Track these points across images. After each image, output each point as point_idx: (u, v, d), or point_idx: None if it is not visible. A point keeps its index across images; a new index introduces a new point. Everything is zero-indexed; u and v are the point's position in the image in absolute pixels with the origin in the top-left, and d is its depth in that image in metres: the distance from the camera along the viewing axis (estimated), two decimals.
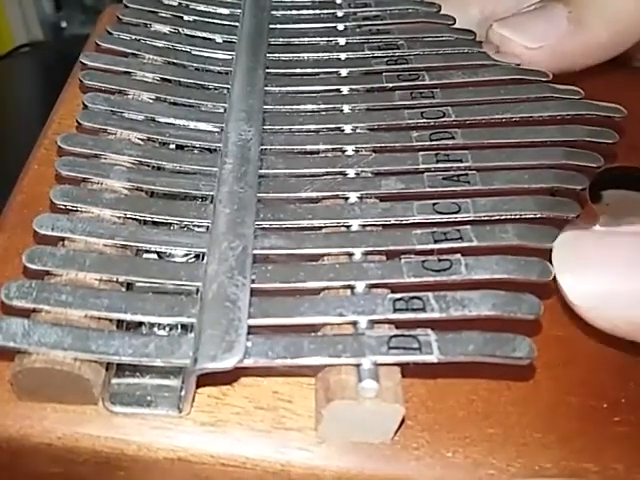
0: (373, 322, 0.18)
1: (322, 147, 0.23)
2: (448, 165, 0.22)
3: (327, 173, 0.22)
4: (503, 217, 0.20)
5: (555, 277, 0.19)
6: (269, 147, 0.23)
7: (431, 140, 0.23)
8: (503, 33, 0.25)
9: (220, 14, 0.28)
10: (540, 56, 0.25)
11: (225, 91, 0.25)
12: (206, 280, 0.19)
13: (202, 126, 0.23)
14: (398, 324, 0.18)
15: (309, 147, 0.23)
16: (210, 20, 0.27)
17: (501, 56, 0.26)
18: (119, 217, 0.20)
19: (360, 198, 0.21)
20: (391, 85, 0.25)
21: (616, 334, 0.19)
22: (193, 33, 0.27)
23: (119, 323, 0.19)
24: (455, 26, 0.28)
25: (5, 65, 0.94)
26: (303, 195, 0.21)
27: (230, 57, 0.26)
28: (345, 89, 0.25)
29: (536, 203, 0.20)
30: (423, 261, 0.19)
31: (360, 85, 0.25)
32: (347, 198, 0.21)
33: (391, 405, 0.17)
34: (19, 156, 0.27)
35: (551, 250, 0.19)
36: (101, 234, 0.19)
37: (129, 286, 0.20)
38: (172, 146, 0.23)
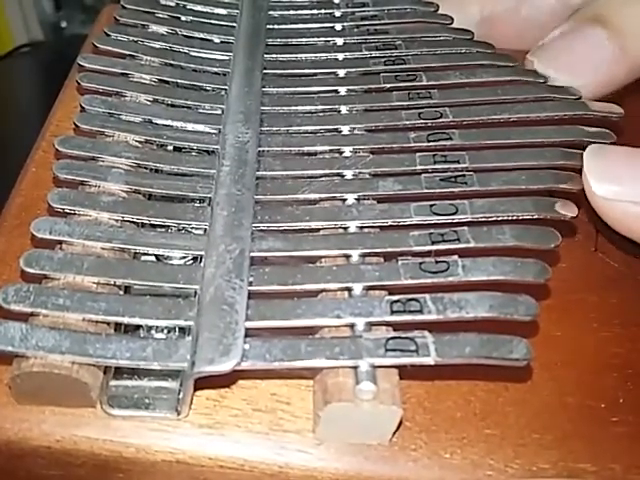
0: (370, 324, 0.18)
1: (320, 148, 0.23)
2: (445, 166, 0.22)
3: (324, 175, 0.22)
4: (500, 218, 0.20)
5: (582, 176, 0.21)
6: (267, 149, 0.23)
7: (428, 141, 0.23)
8: (547, 73, 0.24)
9: (217, 14, 0.28)
10: (586, 89, 0.24)
11: (222, 92, 0.25)
12: (203, 283, 0.19)
13: (200, 128, 0.23)
14: (395, 326, 0.18)
15: (307, 148, 0.23)
16: (207, 21, 0.27)
17: (499, 57, 0.26)
18: (117, 220, 0.20)
19: (358, 200, 0.21)
20: (389, 86, 0.25)
21: (626, 233, 0.21)
22: (190, 34, 0.27)
23: (117, 326, 0.19)
24: (453, 26, 0.28)
25: (5, 65, 0.94)
26: (301, 197, 0.21)
27: (227, 58, 0.26)
28: (343, 90, 0.25)
29: (534, 204, 0.20)
30: (420, 263, 0.19)
31: (358, 86, 0.25)
32: (345, 200, 0.21)
33: (389, 407, 0.17)
34: (19, 157, 0.27)
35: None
36: (99, 237, 0.19)
37: (127, 289, 0.20)
38: (170, 148, 0.23)
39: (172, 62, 0.25)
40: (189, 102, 0.24)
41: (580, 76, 0.24)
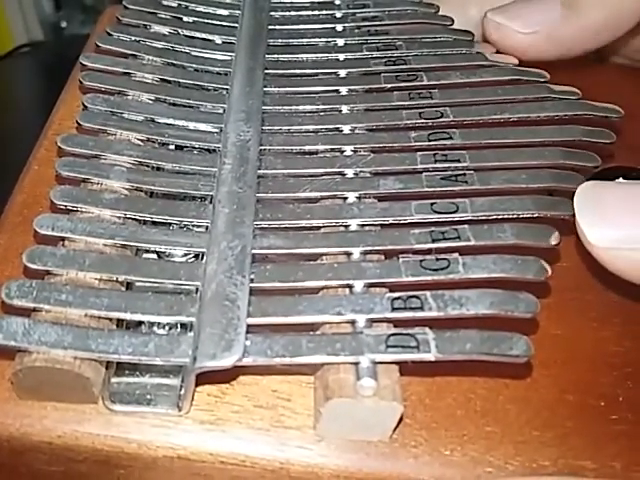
0: (371, 321, 0.18)
1: (321, 147, 0.23)
2: (446, 165, 0.22)
3: (326, 173, 0.22)
4: (501, 217, 0.20)
5: (576, 224, 0.19)
6: (268, 147, 0.23)
7: (429, 140, 0.23)
8: (497, 20, 0.26)
9: (219, 15, 0.28)
10: (535, 42, 0.25)
11: (224, 92, 0.25)
12: (205, 279, 0.19)
13: (201, 127, 0.23)
14: (396, 323, 0.18)
15: (308, 147, 0.23)
16: (209, 21, 0.27)
17: (499, 57, 0.26)
18: (119, 217, 0.20)
19: (358, 198, 0.21)
20: (389, 86, 0.25)
21: (631, 278, 0.19)
22: (192, 34, 0.27)
23: (119, 322, 0.19)
24: (453, 27, 0.28)
25: (5, 65, 0.94)
26: (302, 195, 0.21)
27: (229, 58, 0.26)
28: (344, 90, 0.25)
29: (534, 203, 0.21)
30: (421, 260, 0.19)
31: (359, 86, 0.25)
32: (346, 198, 0.21)
33: (389, 403, 0.17)
34: (19, 156, 0.27)
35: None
36: (101, 234, 0.19)
37: (129, 285, 0.20)
38: (171, 147, 0.23)
39: (174, 62, 0.25)
40: (191, 101, 0.24)
41: (526, 25, 0.25)
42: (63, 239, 0.20)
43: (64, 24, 1.01)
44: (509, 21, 0.26)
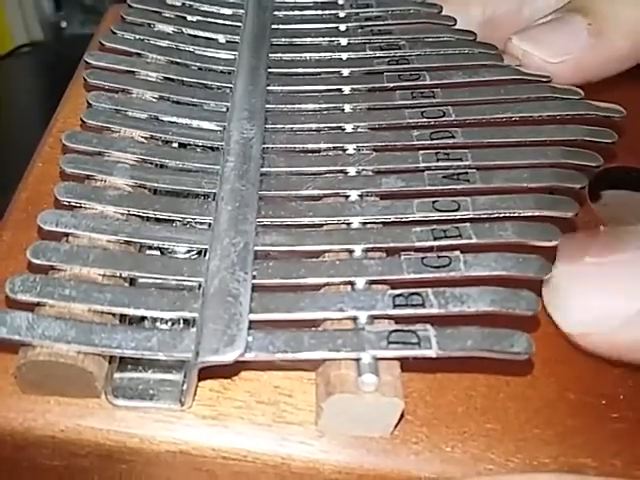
0: (373, 317, 0.18)
1: (323, 146, 0.23)
2: (448, 164, 0.22)
3: (328, 171, 0.22)
4: (502, 215, 0.20)
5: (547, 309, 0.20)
6: (271, 146, 0.23)
7: (431, 139, 0.23)
8: (524, 47, 0.25)
9: (223, 14, 0.28)
10: (562, 70, 0.25)
11: (228, 90, 0.25)
12: (208, 276, 0.19)
13: (205, 125, 0.23)
14: (398, 319, 0.18)
15: (310, 146, 0.23)
16: (213, 20, 0.28)
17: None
18: (122, 214, 0.20)
19: (361, 196, 0.22)
20: (392, 85, 0.25)
21: (611, 358, 0.20)
22: (196, 33, 0.27)
23: (122, 317, 0.19)
24: (456, 27, 0.28)
25: (5, 65, 0.95)
26: (304, 193, 0.22)
27: (233, 57, 0.26)
28: (346, 89, 0.25)
29: (535, 201, 0.21)
30: (423, 258, 0.19)
31: (361, 85, 0.25)
32: (348, 196, 0.22)
33: (390, 399, 0.18)
34: (19, 155, 0.27)
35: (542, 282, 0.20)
36: (105, 230, 0.20)
37: (132, 281, 0.20)
38: (175, 144, 0.23)
39: (178, 60, 0.26)
40: (194, 99, 0.24)
41: (553, 54, 0.25)
42: (67, 235, 0.20)
43: (64, 24, 1.00)
44: (536, 49, 0.25)
